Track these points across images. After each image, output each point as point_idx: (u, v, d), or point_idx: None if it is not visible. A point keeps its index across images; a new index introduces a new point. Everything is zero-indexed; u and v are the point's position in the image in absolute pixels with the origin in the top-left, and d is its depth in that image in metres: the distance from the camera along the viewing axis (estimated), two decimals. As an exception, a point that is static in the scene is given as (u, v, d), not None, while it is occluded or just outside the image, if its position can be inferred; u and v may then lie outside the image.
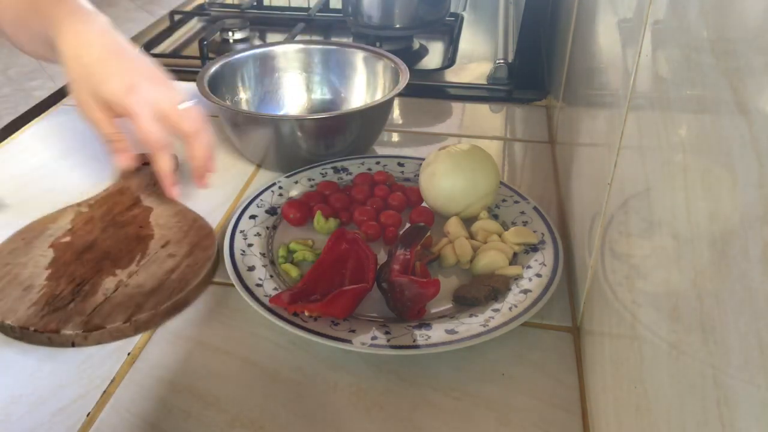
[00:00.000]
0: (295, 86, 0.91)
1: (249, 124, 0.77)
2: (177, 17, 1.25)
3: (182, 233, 0.66)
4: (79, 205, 0.70)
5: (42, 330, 0.55)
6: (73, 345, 0.55)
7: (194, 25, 1.28)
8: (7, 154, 0.84)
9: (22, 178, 0.79)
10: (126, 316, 0.56)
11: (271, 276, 0.61)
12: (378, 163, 0.78)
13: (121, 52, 0.63)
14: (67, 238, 0.65)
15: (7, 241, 0.65)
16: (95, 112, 0.62)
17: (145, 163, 0.78)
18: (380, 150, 0.86)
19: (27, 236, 0.65)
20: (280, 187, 0.73)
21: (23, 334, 0.55)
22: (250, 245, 0.64)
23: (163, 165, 0.66)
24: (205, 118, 0.66)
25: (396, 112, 0.96)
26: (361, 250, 0.60)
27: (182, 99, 0.64)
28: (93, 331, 0.55)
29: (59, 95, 0.98)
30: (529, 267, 0.61)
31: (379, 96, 0.86)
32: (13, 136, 0.88)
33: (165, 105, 0.62)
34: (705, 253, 0.30)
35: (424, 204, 0.71)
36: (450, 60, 1.10)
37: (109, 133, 0.64)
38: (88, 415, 0.50)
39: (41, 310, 0.56)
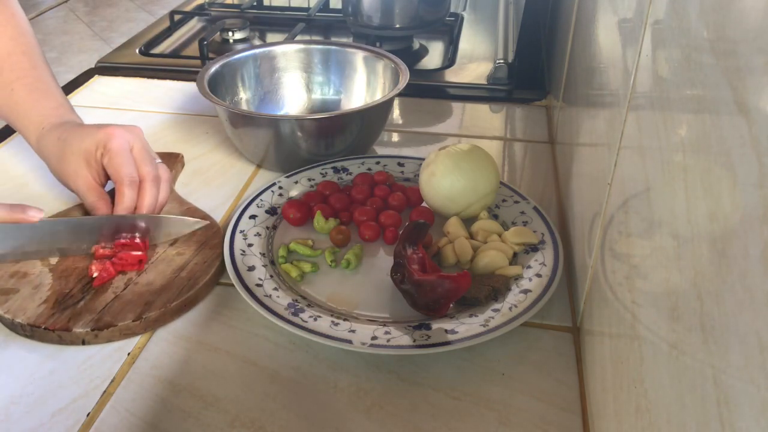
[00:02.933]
0: (295, 86, 0.91)
1: (249, 124, 0.77)
2: (177, 17, 1.26)
3: (191, 231, 0.67)
4: None
5: (53, 328, 0.55)
6: (83, 343, 0.55)
7: (194, 25, 1.28)
8: (7, 154, 0.84)
9: (22, 178, 0.79)
10: (136, 313, 0.56)
11: (271, 276, 0.61)
12: (378, 163, 0.78)
13: (89, 125, 0.70)
14: None
15: None
16: (82, 173, 0.67)
17: None
18: (380, 150, 0.86)
19: None
20: (280, 187, 0.73)
21: (34, 332, 0.55)
22: (250, 245, 0.64)
23: (126, 201, 0.66)
24: (168, 180, 0.70)
25: (396, 112, 0.96)
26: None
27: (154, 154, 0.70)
28: (104, 329, 0.55)
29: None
30: (529, 267, 0.61)
31: (379, 96, 0.86)
32: (13, 136, 0.88)
33: (136, 145, 0.67)
34: (705, 253, 0.30)
35: (424, 204, 0.71)
36: (450, 60, 1.10)
37: (95, 200, 0.67)
38: (88, 415, 0.50)
39: (51, 308, 0.57)
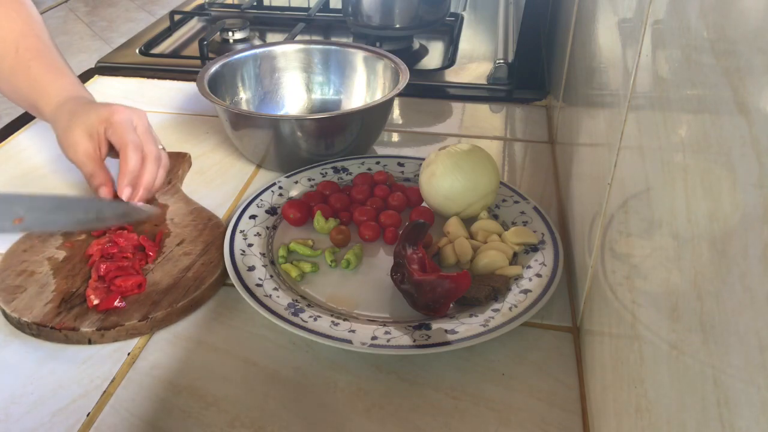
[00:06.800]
0: (295, 86, 0.91)
1: (249, 124, 0.77)
2: (177, 17, 1.25)
3: (197, 231, 0.67)
4: None
5: (59, 327, 0.55)
6: (89, 342, 0.55)
7: (194, 25, 1.28)
8: (7, 154, 0.84)
9: (23, 178, 0.79)
10: (143, 313, 0.57)
11: (271, 276, 0.61)
12: (378, 163, 0.78)
13: (98, 103, 0.73)
14: (82, 236, 0.66)
15: (22, 240, 0.65)
16: (83, 143, 0.68)
17: None
18: (380, 150, 0.86)
19: (42, 235, 0.66)
20: (280, 187, 0.73)
21: (40, 331, 0.55)
22: (250, 245, 0.64)
23: (131, 163, 0.67)
24: (166, 166, 0.72)
25: (396, 112, 0.96)
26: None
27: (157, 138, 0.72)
28: (110, 329, 0.55)
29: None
30: (529, 267, 0.61)
31: (379, 96, 0.86)
32: (13, 136, 0.88)
33: (140, 125, 0.70)
34: (705, 253, 0.30)
35: (424, 204, 0.71)
36: (450, 60, 1.10)
37: (93, 168, 0.68)
38: (88, 415, 0.50)
39: (58, 308, 0.57)
